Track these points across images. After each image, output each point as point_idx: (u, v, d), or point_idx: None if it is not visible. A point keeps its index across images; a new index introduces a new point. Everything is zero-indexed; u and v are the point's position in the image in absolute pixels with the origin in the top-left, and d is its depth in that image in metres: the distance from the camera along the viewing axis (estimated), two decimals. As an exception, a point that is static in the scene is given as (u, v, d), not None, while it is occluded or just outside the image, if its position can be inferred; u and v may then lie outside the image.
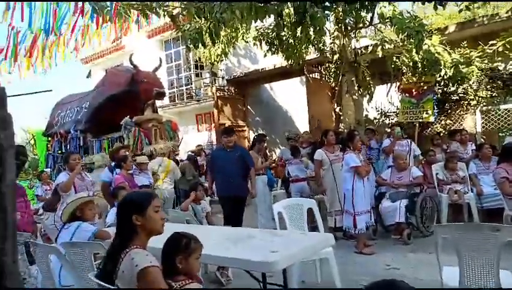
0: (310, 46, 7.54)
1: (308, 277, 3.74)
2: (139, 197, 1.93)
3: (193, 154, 9.38)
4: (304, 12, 5.23)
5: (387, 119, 8.89)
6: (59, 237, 3.16)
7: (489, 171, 5.36)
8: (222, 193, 4.98)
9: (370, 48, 7.54)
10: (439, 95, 7.50)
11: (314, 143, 7.07)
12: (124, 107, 7.41)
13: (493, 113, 7.61)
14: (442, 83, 7.37)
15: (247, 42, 8.41)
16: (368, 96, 7.80)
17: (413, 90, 6.73)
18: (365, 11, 5.94)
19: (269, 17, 5.42)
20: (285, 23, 6.53)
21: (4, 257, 1.08)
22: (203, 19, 5.36)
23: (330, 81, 8.64)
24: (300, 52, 7.51)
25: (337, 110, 9.31)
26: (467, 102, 7.66)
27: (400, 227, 4.97)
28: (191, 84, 13.31)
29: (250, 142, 8.81)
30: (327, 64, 8.47)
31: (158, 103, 8.72)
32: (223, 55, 8.23)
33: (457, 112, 7.93)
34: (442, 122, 8.03)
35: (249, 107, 12.21)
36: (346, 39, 7.15)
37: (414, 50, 6.06)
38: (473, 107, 7.70)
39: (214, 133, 11.79)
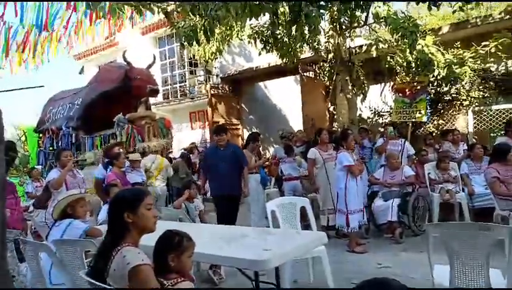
0: (305, 44, 7.54)
1: (300, 275, 3.75)
2: (131, 195, 1.91)
3: (186, 152, 9.35)
4: (299, 11, 5.22)
5: (381, 118, 8.93)
6: (50, 234, 3.13)
7: (480, 171, 5.42)
8: (216, 191, 4.96)
9: (364, 48, 7.57)
10: (432, 95, 7.56)
11: (307, 142, 7.09)
12: (117, 104, 7.36)
13: (485, 113, 7.69)
14: (435, 83, 7.42)
15: (241, 40, 8.38)
16: (361, 95, 7.83)
17: (407, 90, 6.77)
18: (360, 10, 5.96)
19: (264, 15, 5.41)
20: (280, 21, 6.52)
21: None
22: (197, 16, 5.33)
23: (324, 80, 8.65)
24: (295, 51, 7.51)
25: (331, 109, 9.33)
26: (459, 102, 7.73)
27: (392, 226, 5.01)
28: (185, 81, 13.25)
29: (244, 140, 8.81)
30: (321, 63, 8.48)
31: (151, 100, 8.67)
32: (217, 53, 8.20)
33: (449, 112, 7.99)
34: (435, 122, 8.09)
35: (243, 105, 12.18)
36: (341, 38, 7.17)
37: (408, 50, 6.09)
38: (465, 108, 7.77)
39: (208, 131, 11.75)
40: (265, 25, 7.47)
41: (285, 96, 11.63)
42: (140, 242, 1.86)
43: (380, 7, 5.94)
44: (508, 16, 6.92)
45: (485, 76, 7.44)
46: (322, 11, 5.40)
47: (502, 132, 6.17)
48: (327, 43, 7.56)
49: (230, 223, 4.58)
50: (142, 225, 1.83)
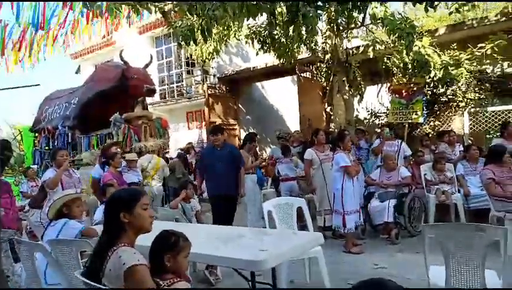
0: (302, 45, 7.55)
1: (297, 275, 3.75)
2: (127, 195, 1.90)
3: (183, 152, 9.33)
4: (297, 11, 5.23)
5: (378, 119, 8.96)
6: (45, 234, 3.11)
7: (476, 172, 5.44)
8: (212, 191, 4.95)
9: (361, 49, 7.59)
10: (428, 97, 7.58)
11: (304, 142, 7.10)
12: (114, 104, 7.34)
13: (481, 115, 7.73)
14: (431, 85, 7.45)
15: (239, 40, 8.38)
16: (358, 96, 7.85)
17: (403, 91, 6.79)
18: (357, 11, 5.97)
19: (261, 15, 5.41)
20: (277, 21, 6.53)
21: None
22: (195, 15, 5.32)
23: (321, 81, 8.67)
24: (292, 51, 7.52)
25: (328, 109, 9.35)
26: (455, 104, 7.76)
27: (388, 227, 5.02)
28: (182, 81, 13.23)
29: (241, 140, 8.81)
30: (319, 64, 8.50)
31: (148, 100, 8.66)
32: (214, 53, 8.19)
33: (445, 113, 8.03)
34: (431, 123, 8.13)
35: (240, 105, 12.18)
36: (338, 39, 7.18)
37: (404, 51, 6.11)
38: (461, 109, 7.80)
39: (205, 131, 11.73)
40: (263, 25, 7.48)
41: (282, 96, 11.65)
42: (136, 242, 1.85)
43: (377, 8, 5.95)
44: (503, 18, 6.96)
45: (481, 78, 7.48)
46: (319, 11, 5.41)
47: (498, 134, 6.20)
48: (324, 44, 7.58)
49: (227, 223, 4.57)
50: (138, 225, 1.83)
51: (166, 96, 13.18)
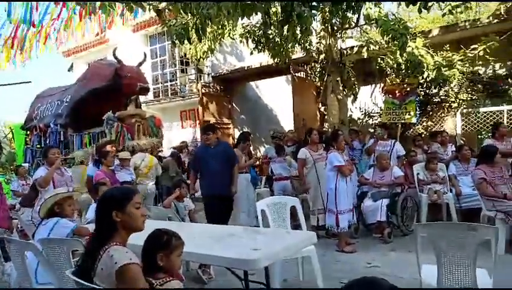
0: (296, 45, 7.55)
1: (290, 274, 3.76)
2: (120, 193, 1.89)
3: (176, 151, 9.30)
4: (291, 11, 5.23)
5: (371, 119, 9.01)
6: (36, 233, 3.07)
7: (468, 172, 5.50)
8: (206, 190, 4.92)
9: (355, 49, 7.61)
10: (421, 97, 7.64)
11: (298, 142, 7.11)
12: (107, 102, 7.27)
13: (473, 115, 7.80)
14: (424, 85, 7.51)
15: (233, 39, 8.36)
16: (352, 96, 7.89)
17: (397, 91, 6.84)
18: (351, 12, 5.99)
19: (256, 14, 5.40)
20: (272, 21, 6.53)
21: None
22: (189, 14, 5.30)
23: (315, 81, 8.68)
24: (287, 51, 7.52)
25: (322, 109, 9.38)
26: (448, 104, 7.83)
27: (381, 226, 5.05)
28: (176, 80, 13.18)
29: (235, 140, 8.79)
30: (313, 64, 8.51)
31: (142, 98, 8.60)
32: (209, 52, 8.16)
33: (438, 113, 8.10)
34: (424, 123, 8.19)
35: (234, 104, 12.16)
36: (332, 39, 7.20)
37: (398, 52, 6.15)
38: (453, 110, 7.87)
39: (199, 130, 11.70)
40: (257, 25, 7.47)
41: (277, 96, 11.66)
42: (128, 241, 1.84)
43: (371, 9, 5.98)
44: (495, 20, 7.03)
45: (473, 79, 7.56)
46: (313, 11, 5.41)
47: (489, 134, 6.26)
48: (319, 44, 7.59)
49: (221, 223, 4.56)
50: (130, 223, 1.81)
51: (160, 94, 13.11)
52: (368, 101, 8.84)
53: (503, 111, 7.38)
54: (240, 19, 5.01)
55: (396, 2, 6.13)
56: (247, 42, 7.70)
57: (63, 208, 3.14)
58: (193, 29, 5.39)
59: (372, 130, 8.27)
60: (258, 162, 7.69)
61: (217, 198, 4.78)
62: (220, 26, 7.43)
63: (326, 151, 5.01)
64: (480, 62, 7.07)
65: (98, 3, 5.19)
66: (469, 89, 7.58)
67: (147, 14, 7.73)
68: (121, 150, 6.46)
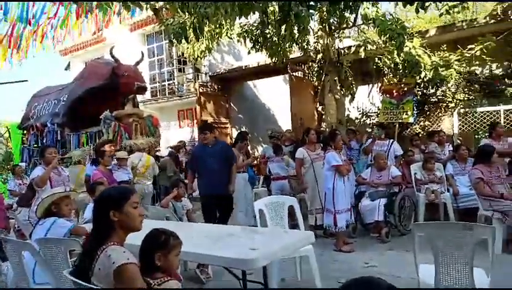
0: (294, 44, 7.56)
1: (288, 274, 3.76)
2: (117, 193, 1.88)
3: (173, 150, 9.28)
4: (289, 10, 5.23)
5: (369, 119, 9.03)
6: (34, 233, 3.06)
7: (465, 172, 5.51)
8: (204, 190, 4.91)
9: (353, 49, 7.63)
10: (418, 97, 7.66)
11: (296, 141, 7.11)
12: (104, 101, 7.24)
13: (470, 115, 7.83)
14: (421, 85, 7.54)
15: (231, 39, 8.36)
16: (349, 96, 7.90)
17: (394, 91, 6.86)
18: (349, 11, 6.00)
19: (254, 14, 5.40)
20: (269, 20, 6.53)
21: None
22: (186, 13, 5.29)
23: (313, 80, 8.70)
24: (284, 51, 7.53)
25: (320, 109, 9.40)
26: (445, 104, 7.86)
27: (379, 225, 5.06)
28: (174, 79, 13.15)
29: (233, 139, 8.79)
30: (310, 64, 8.52)
31: (139, 97, 8.57)
32: (206, 51, 8.15)
33: (435, 113, 8.12)
34: (421, 123, 8.22)
35: (231, 104, 12.16)
36: (330, 39, 7.21)
37: (395, 52, 6.16)
38: (450, 110, 7.90)
39: (196, 130, 11.68)
40: (255, 24, 7.47)
41: (274, 95, 11.65)
42: (126, 241, 1.83)
43: (368, 9, 5.99)
44: (492, 21, 7.06)
45: (470, 79, 7.59)
46: (311, 11, 5.42)
47: (486, 134, 6.29)
48: (316, 44, 7.60)
49: (220, 222, 4.55)
50: (127, 223, 1.81)
51: (158, 94, 13.08)
52: (365, 100, 8.86)
53: (499, 111, 7.41)
54: (237, 18, 5.01)
55: (393, 2, 6.13)
56: (244, 41, 7.70)
57: (60, 207, 3.13)
58: (191, 29, 5.39)
59: (369, 130, 8.28)
60: (255, 162, 7.67)
61: (214, 197, 4.78)
62: (217, 26, 7.42)
63: (324, 151, 5.02)
64: (477, 62, 7.10)
65: (94, 3, 5.17)
66: (466, 89, 7.61)
67: (144, 13, 7.69)
68: (118, 149, 6.44)
